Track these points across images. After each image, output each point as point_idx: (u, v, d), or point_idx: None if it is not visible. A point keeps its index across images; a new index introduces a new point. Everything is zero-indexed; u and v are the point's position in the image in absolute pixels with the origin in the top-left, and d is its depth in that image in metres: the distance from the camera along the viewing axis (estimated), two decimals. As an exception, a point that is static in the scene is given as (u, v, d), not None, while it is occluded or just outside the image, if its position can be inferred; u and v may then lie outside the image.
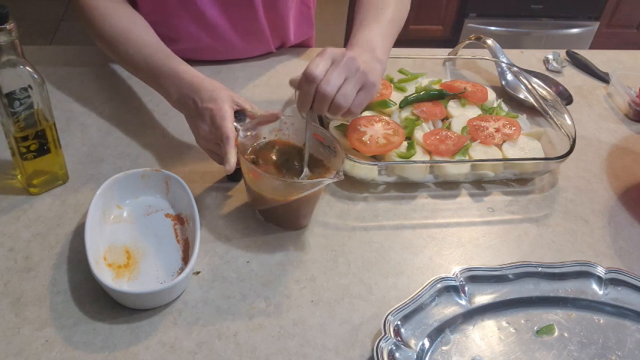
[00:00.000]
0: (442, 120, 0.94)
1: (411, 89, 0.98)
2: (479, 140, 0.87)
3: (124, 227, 0.72)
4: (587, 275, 0.71)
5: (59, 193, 0.77)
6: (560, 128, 0.90)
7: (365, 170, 0.81)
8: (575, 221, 0.83)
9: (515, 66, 1.07)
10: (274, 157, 0.76)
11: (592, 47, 3.10)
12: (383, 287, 0.70)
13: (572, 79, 1.17)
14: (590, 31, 3.05)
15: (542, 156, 0.88)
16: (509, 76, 1.10)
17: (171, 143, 0.87)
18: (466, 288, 0.68)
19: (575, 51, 1.23)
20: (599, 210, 0.85)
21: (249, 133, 0.75)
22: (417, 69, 1.03)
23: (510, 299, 0.68)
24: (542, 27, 2.98)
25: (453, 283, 0.67)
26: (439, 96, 0.96)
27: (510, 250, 0.77)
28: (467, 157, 0.85)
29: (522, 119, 0.96)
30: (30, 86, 0.67)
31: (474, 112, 0.95)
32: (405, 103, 0.93)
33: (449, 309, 0.66)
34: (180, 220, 0.74)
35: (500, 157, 0.87)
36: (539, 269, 0.70)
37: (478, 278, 0.68)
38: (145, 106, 0.94)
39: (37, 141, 0.72)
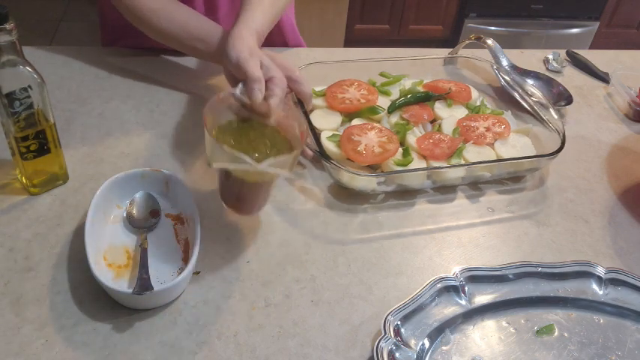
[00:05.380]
0: (431, 122, 0.93)
1: (395, 92, 0.97)
2: (472, 141, 0.87)
3: (123, 227, 0.72)
4: (587, 275, 0.71)
5: (59, 193, 0.77)
6: (548, 123, 0.90)
7: (364, 181, 0.80)
8: (575, 221, 0.83)
9: (499, 65, 1.07)
10: (247, 132, 0.70)
11: (592, 47, 3.10)
12: (383, 287, 0.70)
13: (572, 79, 1.17)
14: (590, 31, 3.05)
15: (534, 152, 0.89)
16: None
17: (171, 143, 0.87)
18: (466, 288, 0.68)
19: (575, 51, 1.23)
20: (599, 210, 0.85)
21: (244, 97, 0.72)
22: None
23: (510, 299, 0.68)
24: (542, 27, 2.99)
25: (453, 283, 0.67)
26: (425, 98, 0.95)
27: (510, 250, 0.77)
28: (462, 160, 0.84)
29: (508, 115, 0.96)
30: (30, 86, 0.67)
31: (460, 111, 0.95)
32: (393, 108, 0.92)
33: (449, 309, 0.66)
34: (180, 220, 0.74)
35: (494, 156, 0.86)
36: (539, 269, 0.70)
37: (478, 278, 0.68)
38: (145, 106, 0.94)
39: (37, 141, 0.72)
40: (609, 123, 1.05)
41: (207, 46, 0.87)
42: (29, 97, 0.67)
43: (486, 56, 1.13)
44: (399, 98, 0.94)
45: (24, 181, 0.75)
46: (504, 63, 1.11)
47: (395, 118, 0.91)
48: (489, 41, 1.12)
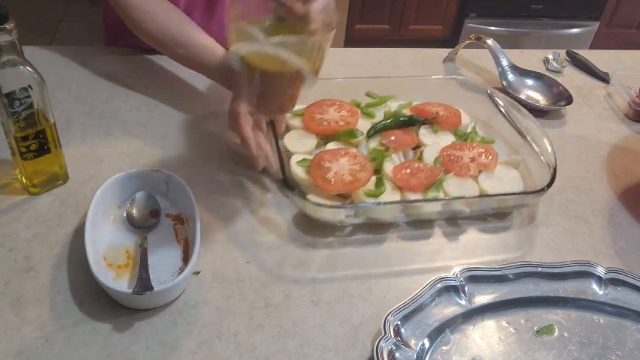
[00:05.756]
0: (413, 149, 0.86)
1: (379, 114, 0.90)
2: (453, 172, 0.80)
3: (123, 227, 0.72)
4: (587, 275, 0.71)
5: (59, 193, 0.77)
6: (540, 156, 0.83)
7: (329, 213, 0.74)
8: (575, 221, 0.83)
9: (495, 89, 0.96)
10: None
11: (592, 47, 3.10)
12: (383, 287, 0.70)
13: (572, 79, 1.17)
14: (590, 31, 3.05)
15: (521, 187, 0.81)
16: (511, 77, 1.10)
17: (171, 143, 0.87)
18: (466, 288, 0.68)
19: (575, 51, 1.23)
20: (599, 210, 0.85)
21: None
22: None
23: (510, 299, 0.68)
24: (542, 27, 2.99)
25: (453, 283, 0.67)
26: (409, 122, 0.88)
27: (510, 250, 0.77)
28: (441, 192, 0.77)
29: (499, 144, 0.89)
30: (30, 86, 0.67)
31: (447, 138, 0.88)
32: (373, 132, 0.86)
33: (449, 309, 0.66)
34: (180, 220, 0.74)
35: (476, 189, 0.79)
36: (539, 269, 0.70)
37: (478, 278, 0.68)
38: (145, 106, 0.94)
39: (37, 141, 0.72)
40: (609, 123, 1.05)
41: (187, 52, 0.87)
42: (29, 96, 0.67)
43: (486, 56, 1.14)
44: (381, 121, 0.88)
45: (24, 181, 0.75)
46: (504, 63, 1.11)
47: (374, 143, 0.85)
48: (489, 41, 1.12)
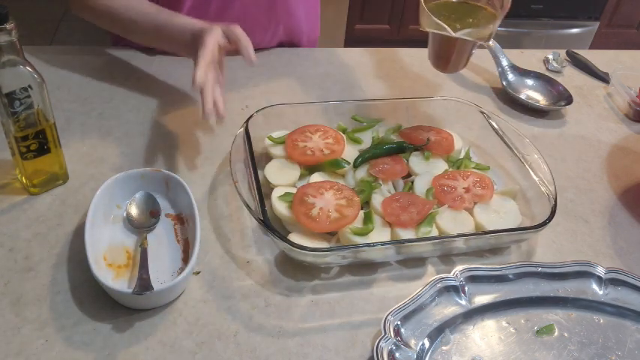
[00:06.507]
0: (404, 177, 0.81)
1: (366, 140, 0.85)
2: (447, 204, 0.75)
3: (123, 227, 0.72)
4: (587, 275, 0.71)
5: (59, 193, 0.77)
6: (539, 185, 0.78)
7: (311, 255, 0.67)
8: (575, 221, 0.83)
9: (489, 113, 0.91)
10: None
11: (592, 47, 3.10)
12: (383, 287, 0.70)
13: (572, 79, 1.17)
14: (590, 31, 3.05)
15: (519, 219, 0.76)
16: (511, 76, 1.10)
17: (172, 143, 0.87)
18: (466, 288, 0.67)
19: (575, 51, 1.23)
20: (599, 210, 0.85)
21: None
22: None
23: (510, 299, 0.68)
24: (542, 27, 2.98)
25: (453, 283, 0.67)
26: (398, 149, 0.83)
27: (510, 250, 0.77)
28: (433, 227, 0.72)
29: (494, 171, 0.85)
30: (30, 86, 0.67)
31: (439, 166, 0.82)
32: (360, 162, 0.80)
33: (449, 309, 0.66)
34: (180, 220, 0.74)
35: (472, 223, 0.74)
36: (539, 269, 0.70)
37: (478, 278, 0.68)
38: (145, 106, 0.94)
39: (37, 141, 0.72)
40: (609, 123, 1.05)
41: (147, 21, 0.87)
42: (29, 96, 0.67)
43: (486, 56, 1.14)
44: (369, 149, 0.82)
45: (24, 181, 0.75)
46: (504, 63, 1.11)
47: (362, 174, 0.79)
48: (489, 41, 1.12)
